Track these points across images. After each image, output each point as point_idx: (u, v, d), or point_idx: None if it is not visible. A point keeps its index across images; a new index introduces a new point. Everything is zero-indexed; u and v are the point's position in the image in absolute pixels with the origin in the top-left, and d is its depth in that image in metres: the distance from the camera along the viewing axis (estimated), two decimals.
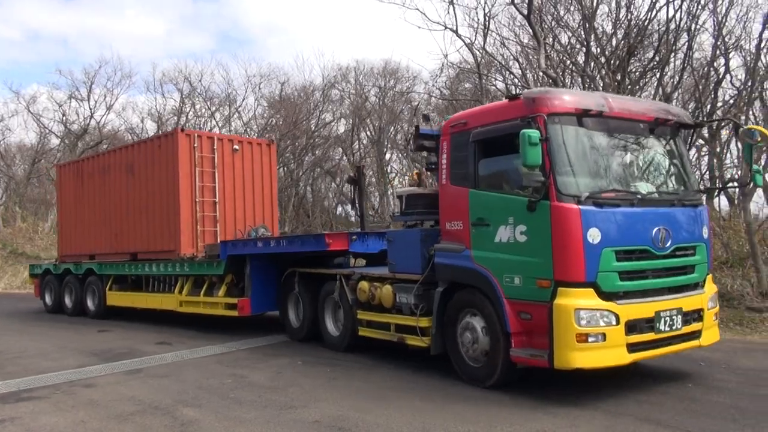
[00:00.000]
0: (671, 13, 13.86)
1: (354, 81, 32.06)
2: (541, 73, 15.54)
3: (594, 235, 5.77)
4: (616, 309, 5.78)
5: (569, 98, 6.13)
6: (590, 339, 5.68)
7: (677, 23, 14.13)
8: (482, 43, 17.07)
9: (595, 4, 15.78)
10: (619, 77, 15.25)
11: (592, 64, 16.00)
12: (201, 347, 9.81)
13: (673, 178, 6.77)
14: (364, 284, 8.46)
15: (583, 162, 6.11)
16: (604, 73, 15.86)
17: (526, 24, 15.53)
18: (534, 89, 6.75)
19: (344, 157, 31.43)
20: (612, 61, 15.72)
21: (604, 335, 5.71)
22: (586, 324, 5.68)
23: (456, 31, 16.13)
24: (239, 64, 78.34)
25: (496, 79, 20.39)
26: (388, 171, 30.39)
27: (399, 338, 7.86)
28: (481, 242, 6.57)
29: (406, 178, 24.39)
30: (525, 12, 14.69)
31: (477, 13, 23.67)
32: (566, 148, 5.93)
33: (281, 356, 8.98)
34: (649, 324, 6.00)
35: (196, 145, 12.39)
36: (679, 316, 6.22)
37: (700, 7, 14.23)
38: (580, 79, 16.40)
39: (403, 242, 7.91)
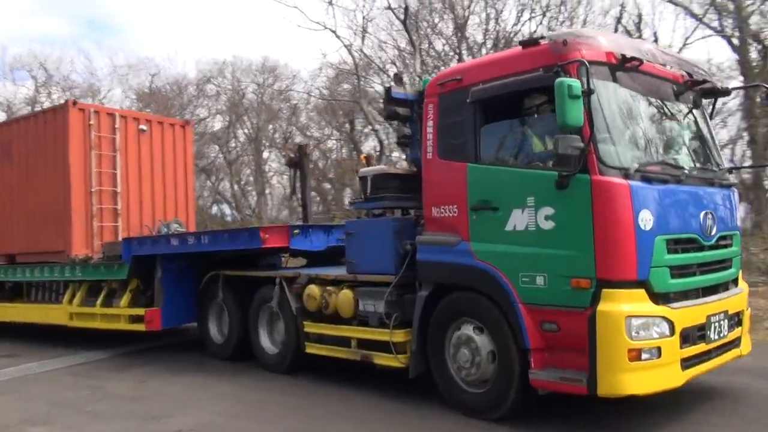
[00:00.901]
0: (534, 27, 16.64)
1: (231, 76, 30.70)
2: (417, 77, 17.23)
3: (646, 220, 4.42)
4: (670, 315, 4.44)
5: (608, 42, 4.75)
6: (644, 355, 4.30)
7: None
8: (360, 45, 18.61)
9: (466, 15, 17.62)
10: None
11: None
12: (55, 358, 8.66)
13: (708, 152, 5.57)
14: (313, 289, 6.74)
15: (626, 126, 4.75)
16: None
17: (403, 29, 16.76)
18: (558, 31, 5.39)
19: (220, 155, 30.18)
20: None
21: (659, 350, 4.36)
22: (640, 336, 4.29)
23: (335, 32, 17.50)
24: (104, 54, 72.99)
25: (374, 81, 21.14)
26: (267, 170, 28.95)
27: (364, 356, 6.20)
28: (486, 231, 5.06)
29: (285, 177, 23.74)
30: (402, 17, 15.96)
31: (356, 15, 24.42)
32: (608, 107, 4.54)
33: (147, 364, 8.03)
34: (701, 332, 4.73)
35: (92, 122, 10.08)
36: (726, 321, 5.01)
37: (559, 23, 16.73)
38: None
39: (368, 235, 6.27)
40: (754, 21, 16.15)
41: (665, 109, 5.16)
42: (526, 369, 4.77)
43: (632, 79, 4.85)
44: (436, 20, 18.64)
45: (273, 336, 7.65)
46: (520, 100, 5.07)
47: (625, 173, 4.41)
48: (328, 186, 25.50)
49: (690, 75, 5.28)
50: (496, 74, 5.07)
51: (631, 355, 4.26)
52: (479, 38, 18.23)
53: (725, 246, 5.21)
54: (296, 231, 7.68)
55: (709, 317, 4.77)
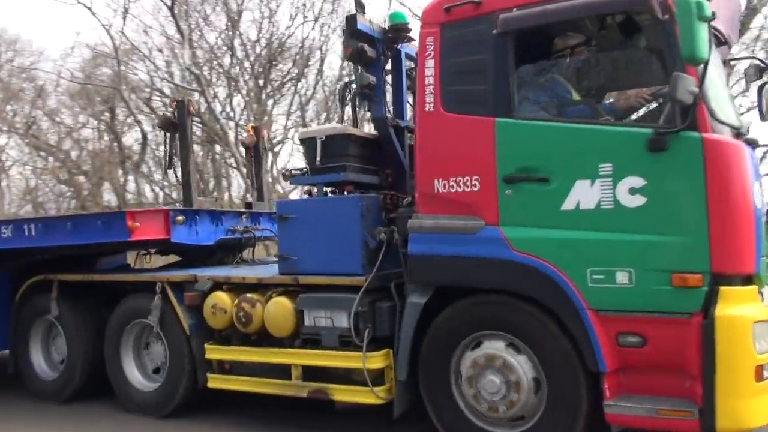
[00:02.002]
0: (306, 32, 17.65)
1: None
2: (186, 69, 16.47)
3: (756, 194, 3.38)
4: None
5: None
6: (765, 374, 3.26)
7: (311, 42, 17.03)
8: (122, 27, 17.85)
9: (240, 10, 17.24)
10: (261, 83, 17.37)
11: (237, 67, 17.69)
12: None
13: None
14: (221, 298, 4.80)
15: (720, 77, 3.67)
16: (248, 77, 17.61)
17: (171, 15, 15.94)
18: None
19: None
20: (255, 67, 17.53)
21: None
22: (764, 348, 3.23)
23: (90, 9, 16.47)
24: None
25: (137, 69, 19.30)
26: (4, 159, 24.58)
27: (315, 392, 4.41)
28: (528, 212, 3.66)
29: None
30: (169, 3, 15.13)
31: None
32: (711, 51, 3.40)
33: None
34: None
35: None
36: None
37: (331, 29, 17.14)
38: (225, 80, 17.98)
39: (319, 221, 4.49)
40: None
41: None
42: (593, 400, 3.48)
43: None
44: (209, 11, 17.74)
45: (145, 366, 5.46)
46: (580, 29, 3.76)
47: (737, 133, 3.33)
48: (82, 179, 21.93)
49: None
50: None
51: (758, 374, 3.18)
52: (253, 36, 17.93)
53: None
54: (180, 218, 5.54)
55: None
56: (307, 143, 4.65)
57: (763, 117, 3.86)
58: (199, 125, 16.55)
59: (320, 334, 4.38)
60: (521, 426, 3.71)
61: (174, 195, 19.13)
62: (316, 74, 17.74)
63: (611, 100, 3.97)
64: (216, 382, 4.91)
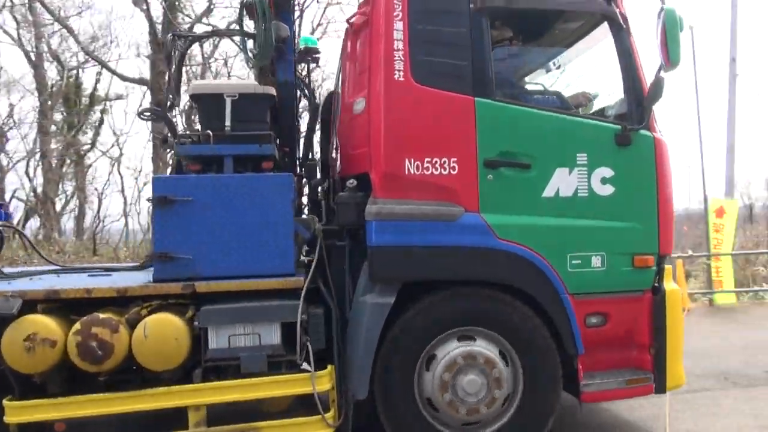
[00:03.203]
0: None
1: None
2: None
3: None
4: None
5: None
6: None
7: None
8: None
9: None
10: None
11: None
12: None
13: None
14: (43, 323, 3.15)
15: None
16: None
17: None
18: None
19: None
20: None
21: None
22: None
23: None
24: None
25: None
26: None
27: None
28: (511, 198, 3.52)
29: None
30: None
31: None
32: None
33: None
34: None
35: None
36: None
37: None
38: None
39: (233, 204, 3.35)
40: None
41: None
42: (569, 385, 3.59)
43: None
44: None
45: None
46: (558, 24, 3.79)
47: (661, 133, 3.93)
48: None
49: None
50: None
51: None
52: None
53: None
54: None
55: None
56: (207, 101, 3.42)
57: None
58: None
59: (238, 358, 3.27)
60: (495, 425, 3.53)
61: None
62: None
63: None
64: None
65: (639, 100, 3.64)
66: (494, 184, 3.50)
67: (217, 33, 4.69)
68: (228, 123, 3.39)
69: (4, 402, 3.18)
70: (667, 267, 3.81)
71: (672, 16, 3.40)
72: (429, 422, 3.47)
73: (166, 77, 4.91)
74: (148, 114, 4.54)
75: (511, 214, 3.52)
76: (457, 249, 3.45)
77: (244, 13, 3.94)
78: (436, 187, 3.45)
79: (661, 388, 3.67)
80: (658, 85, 3.48)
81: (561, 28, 3.96)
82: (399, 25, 3.45)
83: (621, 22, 3.64)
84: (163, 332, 3.19)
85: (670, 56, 3.41)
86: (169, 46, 4.51)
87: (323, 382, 3.35)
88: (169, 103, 4.35)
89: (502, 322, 3.51)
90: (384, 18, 3.45)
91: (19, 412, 3.13)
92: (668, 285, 3.73)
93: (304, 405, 3.44)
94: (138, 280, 3.42)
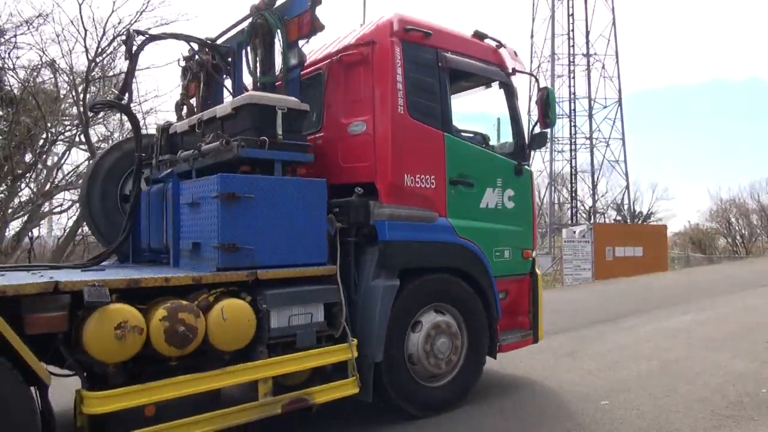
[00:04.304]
0: None
1: None
2: None
3: None
4: None
5: None
6: None
7: None
8: None
9: None
10: None
11: None
12: None
13: None
14: (130, 312, 3.31)
15: None
16: None
17: None
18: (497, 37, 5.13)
19: None
20: None
21: None
22: None
23: None
24: None
25: None
26: None
27: (291, 403, 3.81)
28: (463, 207, 4.83)
29: None
30: None
31: None
32: None
33: None
34: None
35: None
36: None
37: None
38: None
39: (282, 203, 3.88)
40: None
41: None
42: (493, 340, 5.03)
43: None
44: None
45: None
46: (479, 84, 5.17)
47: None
48: None
49: None
50: (460, 49, 4.96)
51: None
52: None
53: None
54: None
55: None
56: (263, 111, 3.87)
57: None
58: None
59: (294, 335, 3.83)
60: (453, 374, 4.75)
61: None
62: None
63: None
64: None
65: (522, 145, 5.37)
66: (455, 197, 4.78)
67: (177, 36, 4.76)
68: (280, 132, 3.92)
69: (84, 392, 3.15)
70: (534, 257, 5.61)
71: (551, 92, 5.21)
72: (409, 373, 4.50)
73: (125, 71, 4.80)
74: (101, 105, 4.51)
75: (464, 218, 4.84)
76: (435, 243, 4.61)
77: (253, 33, 4.41)
78: (422, 197, 4.56)
79: (536, 340, 5.41)
80: (542, 137, 5.26)
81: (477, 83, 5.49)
82: (399, 71, 4.48)
83: (511, 90, 5.31)
84: (238, 315, 3.58)
85: (550, 119, 5.21)
86: (129, 42, 4.58)
87: (355, 349, 4.11)
88: (126, 97, 4.49)
89: (457, 297, 4.78)
90: (390, 64, 4.44)
91: (102, 402, 3.15)
92: (536, 270, 5.52)
93: (318, 374, 4.11)
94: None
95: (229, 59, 5.03)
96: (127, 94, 4.61)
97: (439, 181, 4.68)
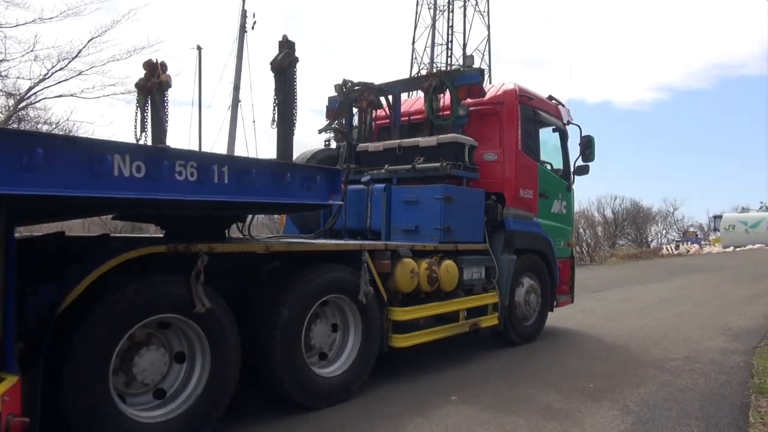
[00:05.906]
0: None
1: None
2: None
3: None
4: None
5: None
6: None
7: None
8: None
9: None
10: None
11: None
12: None
13: None
14: (414, 264, 5.59)
15: None
16: None
17: None
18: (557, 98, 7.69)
19: None
20: None
21: None
22: None
23: None
24: None
25: None
26: None
27: (473, 326, 6.20)
28: (543, 211, 7.45)
29: None
30: None
31: None
32: None
33: None
34: None
35: None
36: None
37: None
38: None
39: (464, 203, 6.28)
40: None
41: None
42: (553, 299, 7.70)
43: None
44: None
45: (313, 349, 4.90)
46: (552, 134, 7.79)
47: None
48: None
49: None
50: (549, 111, 7.61)
51: None
52: None
53: None
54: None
55: None
56: (457, 146, 6.28)
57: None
58: None
59: (473, 285, 6.27)
60: (532, 319, 7.37)
61: None
62: None
63: None
64: (401, 341, 5.44)
65: (568, 172, 8.09)
66: (540, 204, 7.39)
67: (369, 86, 6.91)
68: (467, 159, 6.34)
69: (396, 309, 5.37)
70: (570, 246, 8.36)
71: (592, 141, 7.97)
72: (515, 314, 7.05)
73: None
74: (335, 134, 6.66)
75: (544, 218, 7.46)
76: (533, 233, 7.19)
77: (433, 90, 6.76)
78: (526, 203, 7.13)
79: (572, 300, 8.18)
80: (583, 168, 8.02)
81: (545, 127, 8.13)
82: (518, 122, 7.03)
83: (565, 135, 8.02)
84: (453, 269, 5.94)
85: (590, 157, 7.97)
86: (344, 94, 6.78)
87: (494, 297, 6.58)
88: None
89: (539, 269, 7.37)
90: (515, 117, 6.96)
91: (401, 313, 5.40)
92: (574, 254, 8.29)
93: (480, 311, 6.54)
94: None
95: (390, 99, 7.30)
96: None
97: (534, 193, 7.28)
